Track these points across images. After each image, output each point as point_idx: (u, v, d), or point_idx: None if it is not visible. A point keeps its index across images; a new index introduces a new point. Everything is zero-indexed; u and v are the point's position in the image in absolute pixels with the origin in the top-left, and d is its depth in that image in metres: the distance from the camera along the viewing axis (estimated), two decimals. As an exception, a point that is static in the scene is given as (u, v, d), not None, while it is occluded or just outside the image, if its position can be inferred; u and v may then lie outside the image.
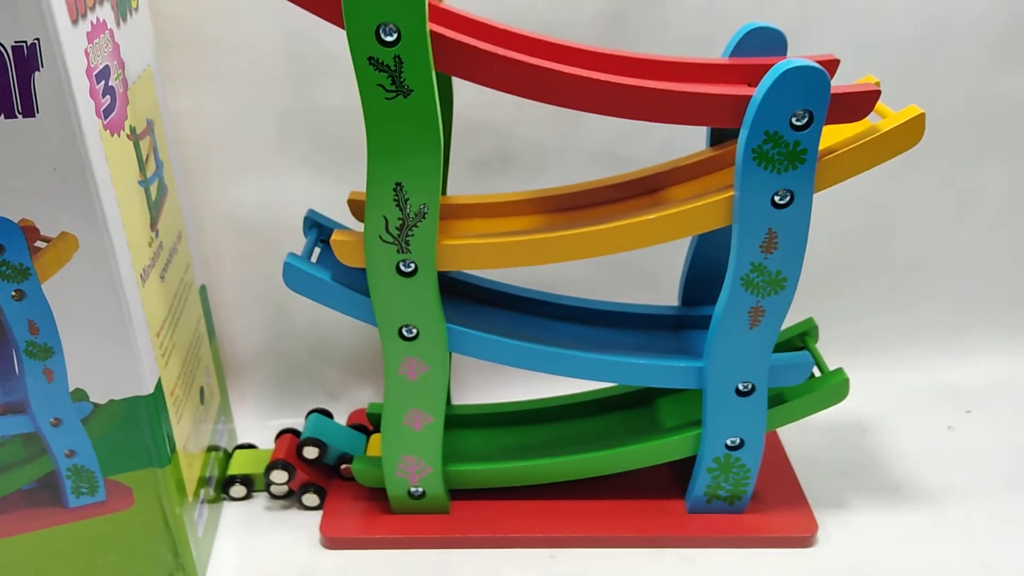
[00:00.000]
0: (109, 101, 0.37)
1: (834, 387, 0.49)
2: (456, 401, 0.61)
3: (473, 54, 0.39)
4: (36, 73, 0.33)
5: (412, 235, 0.42)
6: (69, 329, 0.39)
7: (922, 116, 0.41)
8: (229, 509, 0.54)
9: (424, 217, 0.42)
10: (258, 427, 0.59)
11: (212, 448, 0.53)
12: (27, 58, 0.33)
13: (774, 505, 0.53)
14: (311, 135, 0.55)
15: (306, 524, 0.52)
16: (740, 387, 0.47)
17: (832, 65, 0.45)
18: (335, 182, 0.55)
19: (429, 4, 0.43)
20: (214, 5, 0.51)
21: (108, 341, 0.39)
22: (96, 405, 0.41)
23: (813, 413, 0.50)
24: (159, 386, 0.42)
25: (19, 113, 0.34)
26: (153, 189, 0.43)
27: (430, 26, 0.38)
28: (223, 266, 0.57)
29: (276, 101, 0.54)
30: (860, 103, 0.41)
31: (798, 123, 0.40)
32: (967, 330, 0.66)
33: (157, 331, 0.43)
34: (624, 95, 0.40)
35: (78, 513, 0.44)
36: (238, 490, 0.54)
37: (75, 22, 0.34)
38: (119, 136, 0.39)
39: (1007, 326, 0.66)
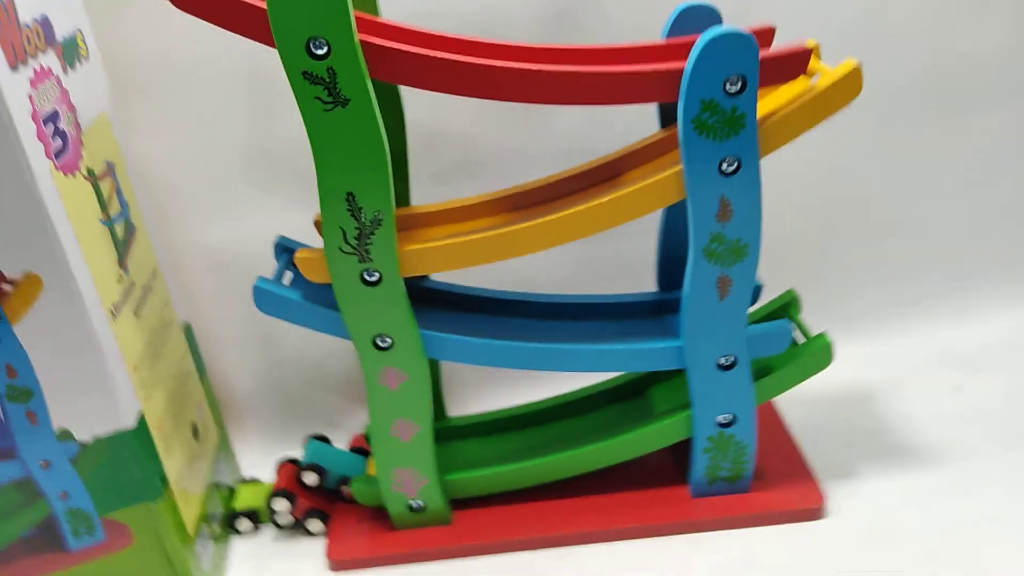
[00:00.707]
0: (60, 144, 0.39)
1: (818, 351, 0.49)
2: (452, 414, 0.61)
3: (404, 58, 0.40)
4: (-20, 123, 0.35)
5: (371, 243, 0.43)
6: (46, 369, 0.40)
7: (858, 69, 0.41)
8: (237, 544, 0.54)
9: (380, 224, 0.43)
10: (263, 461, 0.59)
11: (215, 485, 0.54)
12: (-31, 107, 0.34)
13: (779, 481, 0.52)
14: (275, 166, 0.56)
15: (313, 550, 0.52)
16: (721, 361, 0.47)
17: (768, 34, 0.45)
18: (305, 208, 0.56)
19: (363, 18, 0.44)
20: (167, 49, 0.53)
21: (84, 377, 0.40)
22: (82, 444, 0.42)
23: (801, 381, 0.49)
24: (142, 420, 0.43)
25: (-32, 162, 0.35)
26: (119, 228, 0.45)
27: (361, 36, 0.39)
28: (207, 303, 0.58)
29: (238, 136, 0.55)
30: (792, 63, 0.41)
31: (732, 89, 0.40)
32: (963, 292, 0.64)
33: (135, 366, 0.44)
34: (557, 81, 0.41)
35: (80, 556, 0.44)
36: (244, 524, 0.54)
37: (14, 68, 0.36)
38: (75, 177, 0.40)
39: (1002, 284, 0.64)
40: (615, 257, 0.60)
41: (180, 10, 0.39)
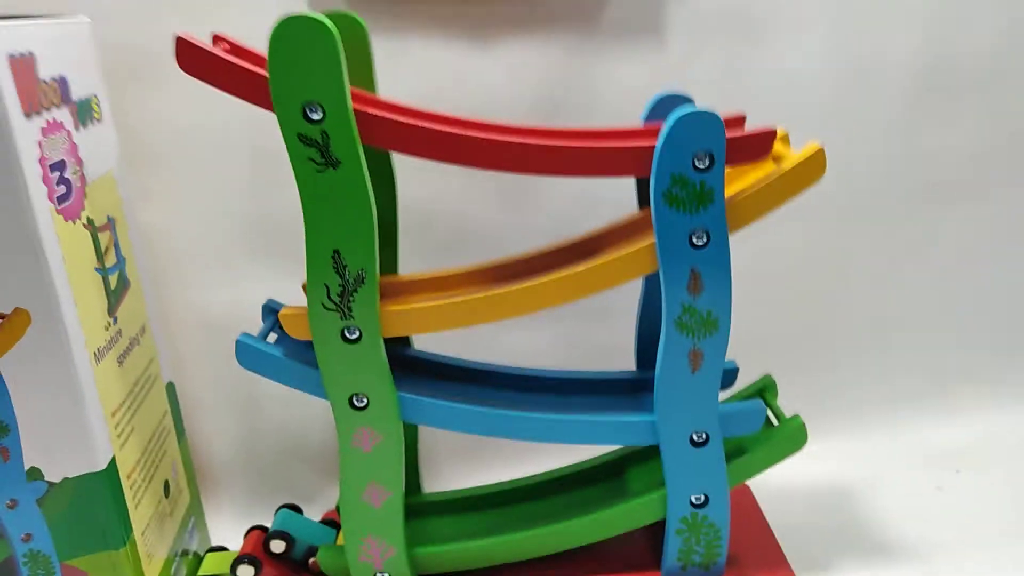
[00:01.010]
0: (64, 190, 0.41)
1: (792, 432, 0.49)
2: (428, 490, 0.61)
3: (392, 125, 0.43)
4: (-10, 159, 0.37)
5: (354, 300, 0.44)
6: (22, 405, 0.41)
7: (821, 151, 0.43)
8: (199, 613, 0.53)
9: (363, 282, 0.44)
10: (234, 532, 0.59)
11: (183, 552, 0.53)
12: (-18, 145, 0.37)
13: (754, 567, 0.51)
14: (273, 236, 0.59)
15: (275, 622, 0.51)
16: (694, 437, 0.47)
17: (739, 121, 0.48)
18: (298, 278, 0.58)
19: (359, 93, 0.48)
20: (177, 121, 0.56)
21: (61, 416, 0.41)
22: (50, 484, 0.42)
23: (775, 462, 0.49)
24: (113, 464, 0.43)
25: (-26, 195, 0.37)
26: (113, 279, 0.46)
27: (355, 105, 0.42)
28: (194, 366, 0.59)
29: (239, 206, 0.58)
30: (757, 143, 0.44)
31: (701, 165, 0.42)
32: (945, 389, 0.65)
33: (112, 411, 0.44)
34: (537, 153, 0.43)
35: (34, 604, 0.44)
36: (207, 592, 0.53)
37: (28, 116, 0.38)
38: (75, 223, 0.42)
39: (986, 381, 0.65)
40: (601, 339, 0.61)
41: (187, 74, 0.42)
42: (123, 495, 0.44)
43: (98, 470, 0.42)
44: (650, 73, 0.58)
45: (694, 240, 0.44)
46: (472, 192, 0.60)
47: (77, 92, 0.45)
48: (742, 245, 0.58)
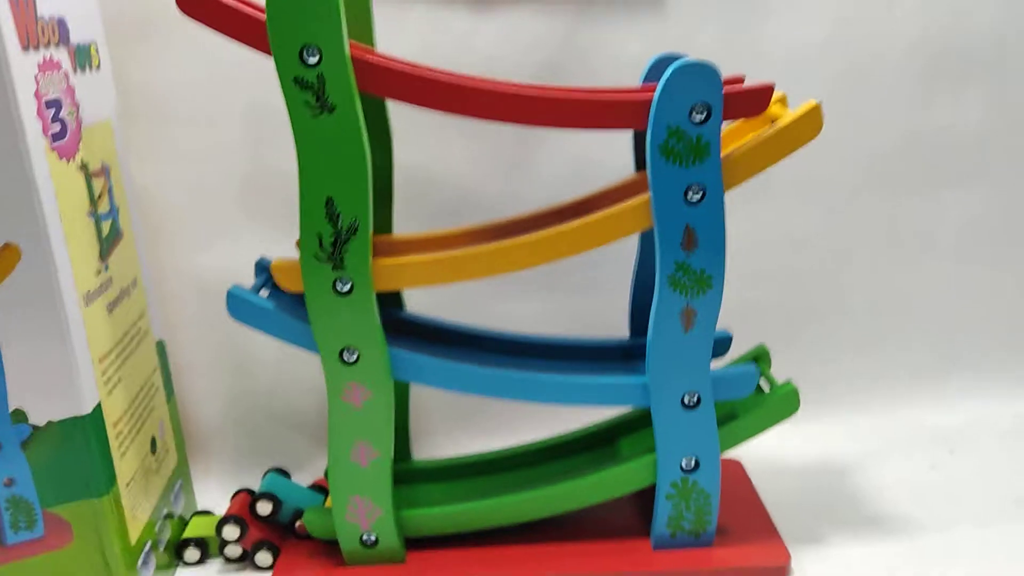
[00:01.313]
0: (59, 128, 0.41)
1: (783, 398, 0.49)
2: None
3: (388, 71, 0.42)
4: (-16, 87, 0.37)
5: (346, 250, 0.44)
6: (8, 345, 0.40)
7: (818, 107, 0.43)
8: (182, 575, 0.52)
9: (356, 232, 0.44)
10: (221, 497, 0.58)
11: (168, 515, 0.52)
12: (-23, 74, 0.37)
13: (744, 538, 0.50)
14: (268, 198, 0.59)
15: (259, 583, 0.51)
16: (685, 399, 0.47)
17: (737, 82, 0.48)
18: (292, 238, 0.58)
19: (360, 47, 0.48)
20: (176, 81, 0.56)
21: (48, 357, 0.41)
22: (35, 427, 0.42)
23: (766, 428, 0.49)
24: (99, 410, 0.43)
25: (-32, 125, 0.37)
26: (105, 226, 0.46)
27: (353, 52, 0.42)
28: (185, 328, 0.59)
29: (236, 168, 0.58)
30: (755, 98, 0.44)
31: (698, 117, 0.42)
32: (944, 371, 0.65)
33: (100, 357, 0.44)
34: (534, 103, 0.43)
35: (17, 551, 0.43)
36: (192, 554, 0.52)
37: (25, 49, 0.38)
38: (69, 164, 0.42)
39: (984, 365, 0.65)
40: (594, 311, 0.61)
41: (186, 15, 0.42)
42: (108, 443, 0.44)
43: (83, 414, 0.42)
44: (650, 42, 0.58)
45: (689, 196, 0.43)
46: (469, 160, 0.60)
47: (76, 36, 0.45)
48: (741, 216, 0.59)
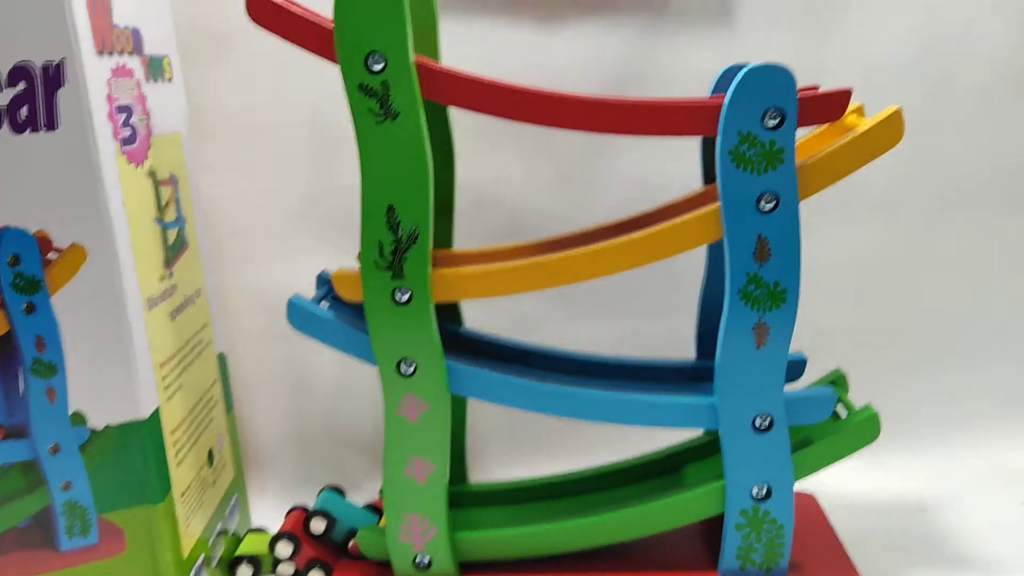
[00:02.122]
0: (129, 133, 0.42)
1: (863, 423, 0.46)
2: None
3: (452, 79, 0.42)
4: (60, 89, 0.38)
5: (406, 259, 0.43)
6: (71, 346, 0.40)
7: (899, 113, 0.41)
8: (234, 592, 0.51)
9: (416, 240, 0.43)
10: (276, 515, 0.57)
11: (223, 532, 0.52)
12: (52, 76, 0.37)
13: (819, 574, 0.47)
14: (332, 216, 0.59)
15: (310, 605, 0.49)
16: (756, 422, 0.44)
17: (812, 90, 0.47)
18: (354, 256, 0.58)
19: (425, 59, 0.48)
20: (246, 91, 0.57)
21: (108, 359, 0.41)
22: (93, 431, 0.41)
23: (844, 455, 0.46)
24: (156, 416, 0.43)
25: (43, 127, 0.38)
26: (171, 234, 0.46)
27: (415, 58, 0.42)
28: (247, 344, 0.59)
29: (301, 184, 0.58)
30: (831, 103, 0.42)
31: (771, 123, 0.41)
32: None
33: (161, 363, 0.44)
34: (599, 109, 0.42)
35: (70, 558, 0.43)
36: (244, 571, 0.51)
37: (100, 53, 0.39)
38: (138, 169, 0.42)
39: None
40: (660, 335, 0.59)
41: (255, 22, 0.42)
42: (164, 449, 0.43)
43: (141, 419, 0.41)
44: (719, 57, 0.56)
45: (762, 204, 0.42)
46: (531, 179, 0.59)
47: (150, 47, 0.46)
48: (818, 237, 0.56)
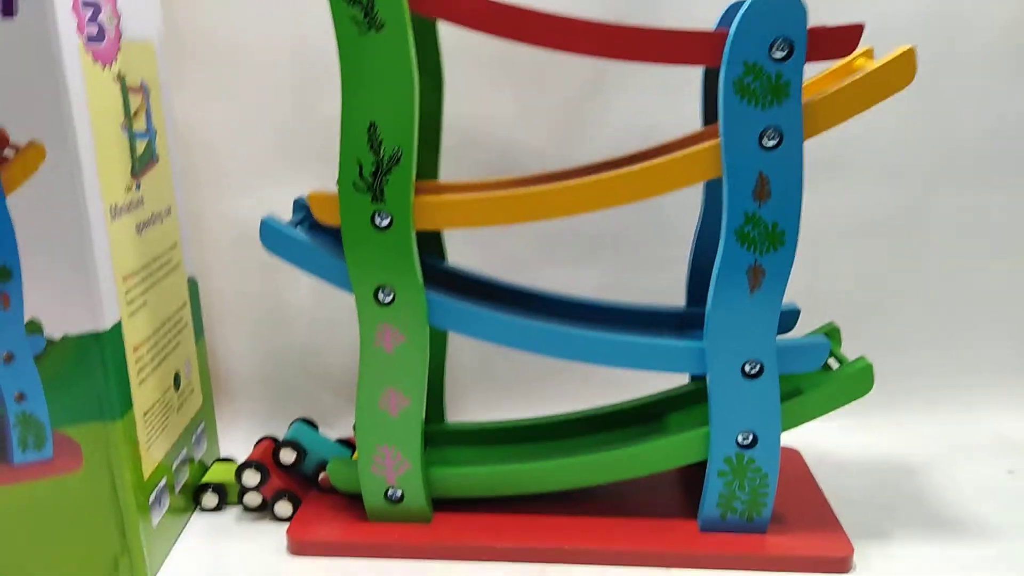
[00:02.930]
0: (96, 31, 0.39)
1: (856, 374, 0.44)
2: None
3: (444, -11, 0.40)
4: (19, -27, 0.35)
5: (387, 181, 0.41)
6: (28, 250, 0.38)
7: (912, 51, 0.39)
8: (197, 519, 0.50)
9: (398, 162, 0.41)
10: (246, 448, 0.56)
11: (188, 459, 0.50)
12: (13, -42, 0.35)
13: (801, 527, 0.46)
14: (311, 146, 0.56)
15: (276, 533, 0.48)
16: (746, 368, 0.43)
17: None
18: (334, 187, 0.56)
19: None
20: (224, 24, 0.54)
21: (67, 266, 0.38)
22: (50, 341, 0.40)
23: (835, 407, 0.45)
24: (118, 329, 0.41)
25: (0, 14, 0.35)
26: (140, 145, 0.44)
27: (405, -33, 0.39)
28: (220, 273, 0.57)
29: (282, 111, 0.56)
30: (843, 37, 0.39)
31: (778, 54, 0.38)
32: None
33: (125, 276, 0.42)
34: (596, 31, 0.40)
35: (24, 472, 0.41)
36: (209, 499, 0.50)
37: (64, -62, 0.36)
38: (104, 70, 0.40)
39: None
40: (649, 285, 0.57)
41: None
42: (126, 365, 0.41)
43: (102, 330, 0.39)
44: (720, 5, 0.54)
45: (764, 140, 0.39)
46: (522, 118, 0.56)
47: (122, -57, 0.43)
48: (812, 197, 0.54)
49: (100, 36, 0.40)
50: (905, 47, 0.39)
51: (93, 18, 0.39)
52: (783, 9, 0.38)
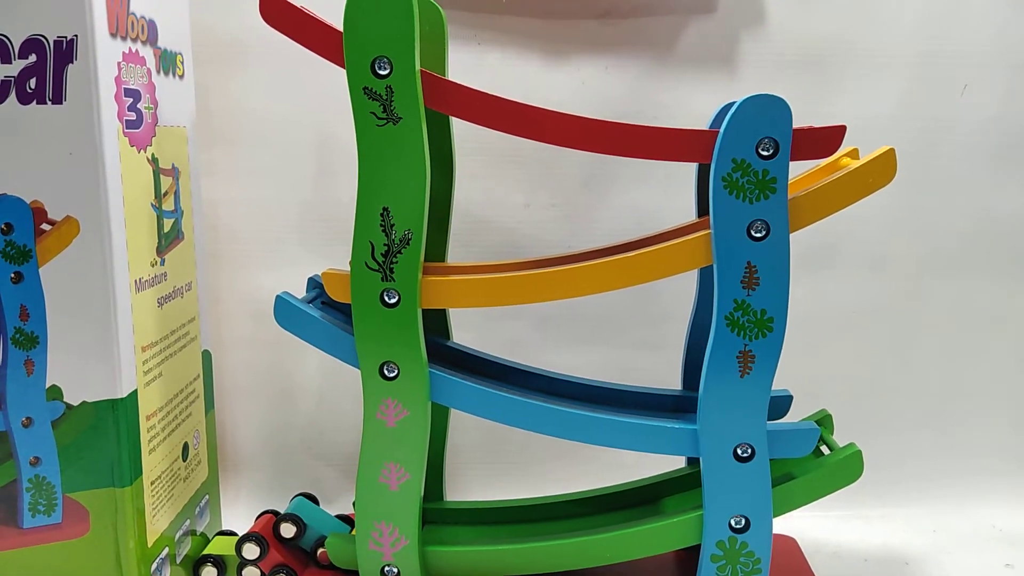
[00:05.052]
0: (135, 117, 0.42)
1: (846, 460, 0.45)
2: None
3: (454, 89, 0.43)
4: (70, 65, 0.38)
5: (396, 262, 0.44)
6: (55, 319, 0.41)
7: (892, 151, 0.42)
8: (196, 594, 0.50)
9: (408, 243, 0.43)
10: (248, 523, 0.56)
11: (191, 531, 0.51)
12: (64, 51, 0.38)
13: (795, 615, 0.46)
14: (331, 229, 0.59)
15: (272, 611, 0.48)
16: (738, 451, 0.44)
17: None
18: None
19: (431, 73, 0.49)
20: (256, 100, 0.58)
21: (91, 335, 0.41)
22: (68, 406, 0.41)
23: (826, 493, 0.45)
24: (134, 397, 0.42)
25: (49, 100, 0.39)
26: (167, 223, 0.47)
27: (421, 69, 0.43)
28: (233, 348, 0.59)
29: (301, 196, 0.59)
30: (826, 138, 0.42)
31: (765, 152, 0.41)
32: (1018, 465, 0.60)
33: (144, 346, 0.44)
34: (599, 130, 0.43)
35: (32, 536, 0.42)
36: (209, 572, 0.50)
37: (113, 35, 0.40)
38: (139, 154, 0.43)
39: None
40: (649, 368, 0.59)
41: (266, 22, 0.43)
42: (139, 433, 0.43)
43: (118, 397, 0.41)
44: (719, 102, 0.57)
45: (752, 232, 0.42)
46: (530, 206, 0.59)
47: (164, 41, 0.47)
48: (805, 287, 0.57)
49: (138, 123, 0.43)
50: (885, 147, 0.42)
51: (132, 106, 0.42)
52: (770, 110, 0.41)
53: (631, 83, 0.58)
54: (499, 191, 0.59)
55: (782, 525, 0.47)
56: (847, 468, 0.45)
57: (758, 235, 0.42)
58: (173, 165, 0.48)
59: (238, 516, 0.57)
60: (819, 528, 0.57)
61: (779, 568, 0.48)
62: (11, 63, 0.38)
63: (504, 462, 0.61)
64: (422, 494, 0.46)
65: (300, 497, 0.53)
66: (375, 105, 0.42)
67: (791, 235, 0.42)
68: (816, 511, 0.49)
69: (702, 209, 0.51)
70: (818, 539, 0.56)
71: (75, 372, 0.41)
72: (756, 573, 0.45)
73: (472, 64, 0.59)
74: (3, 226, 0.39)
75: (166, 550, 0.47)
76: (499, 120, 0.44)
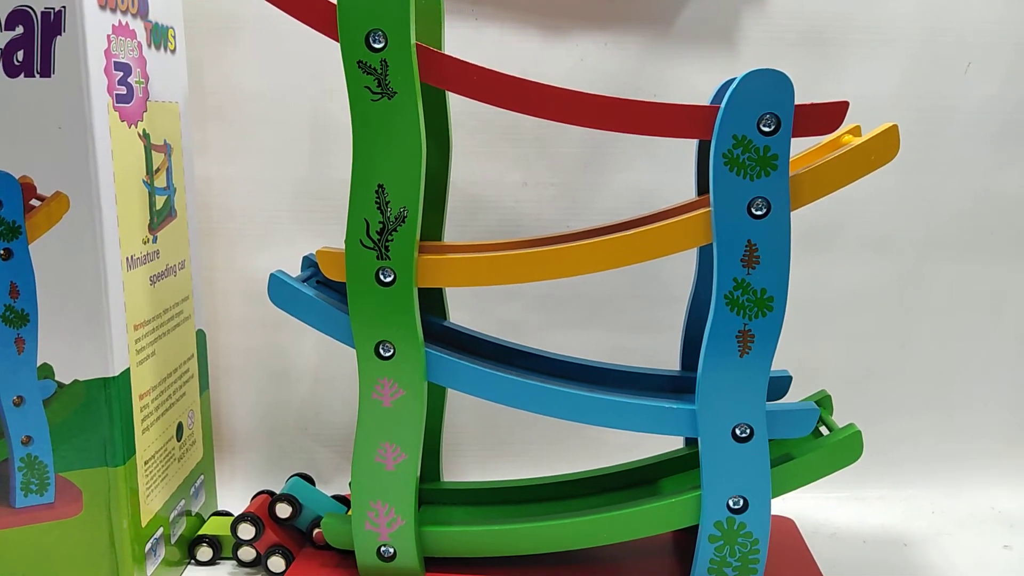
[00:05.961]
0: (125, 91, 0.42)
1: (846, 440, 0.45)
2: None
3: (453, 64, 0.42)
4: (58, 37, 0.38)
5: (392, 240, 0.43)
6: (46, 297, 0.40)
7: (895, 128, 0.41)
8: (191, 573, 0.50)
9: (404, 221, 0.43)
10: (243, 503, 0.56)
11: (186, 511, 0.51)
12: (52, 23, 0.37)
13: (792, 595, 0.46)
14: (326, 208, 0.58)
15: (267, 591, 0.48)
16: (737, 431, 0.44)
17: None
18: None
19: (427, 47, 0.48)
20: (249, 77, 0.57)
21: (82, 313, 0.40)
22: (60, 385, 0.41)
23: (825, 473, 0.45)
24: (126, 376, 0.42)
25: (37, 73, 0.38)
26: (159, 200, 0.46)
27: (417, 43, 0.42)
28: (228, 329, 0.59)
29: (296, 174, 0.58)
30: (828, 113, 0.42)
31: (766, 128, 0.40)
32: (1017, 447, 0.59)
33: (136, 324, 0.43)
34: (598, 105, 0.42)
35: (24, 516, 0.42)
36: (204, 552, 0.50)
37: (102, 8, 0.39)
38: (130, 129, 0.42)
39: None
40: (647, 350, 0.59)
41: (259, -6, 0.43)
42: (132, 412, 0.43)
43: (110, 376, 0.41)
44: (719, 79, 0.57)
45: (753, 210, 0.41)
46: (527, 184, 0.59)
47: (155, 15, 0.46)
48: (804, 269, 0.56)
49: (128, 97, 0.42)
50: (888, 124, 0.42)
51: (123, 80, 0.42)
52: (771, 85, 0.40)
53: (631, 59, 0.58)
54: (496, 169, 0.59)
55: (780, 506, 0.47)
56: (846, 449, 0.45)
57: (759, 213, 0.41)
58: (165, 141, 0.47)
59: (234, 496, 0.57)
60: (817, 509, 0.56)
61: (777, 549, 0.48)
62: (-2, 35, 0.38)
63: (501, 443, 0.60)
64: (418, 474, 0.46)
65: (296, 477, 0.53)
66: (369, 79, 0.42)
67: (792, 214, 0.42)
68: (815, 492, 0.49)
69: (702, 187, 0.50)
70: (816, 520, 0.55)
71: (66, 350, 0.40)
72: (754, 554, 0.45)
73: (469, 39, 0.58)
74: (-9, 202, 0.39)
75: (160, 530, 0.46)
76: (496, 95, 0.43)
